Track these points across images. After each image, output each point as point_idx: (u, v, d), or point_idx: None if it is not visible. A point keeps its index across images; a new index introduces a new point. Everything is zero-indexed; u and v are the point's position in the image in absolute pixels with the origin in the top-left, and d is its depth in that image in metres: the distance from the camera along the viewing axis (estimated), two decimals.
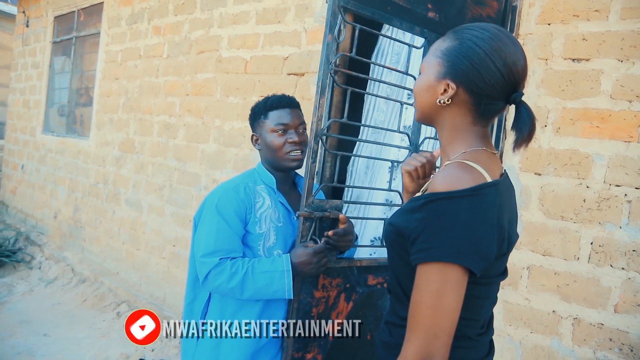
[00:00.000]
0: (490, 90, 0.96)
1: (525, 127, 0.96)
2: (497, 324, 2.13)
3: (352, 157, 2.27)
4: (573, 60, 2.02)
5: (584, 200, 1.95)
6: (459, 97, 0.98)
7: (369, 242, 2.11)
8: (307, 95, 2.84)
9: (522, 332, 2.06)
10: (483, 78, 0.95)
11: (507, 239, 0.97)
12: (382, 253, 1.97)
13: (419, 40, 1.82)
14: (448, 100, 0.99)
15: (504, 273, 1.06)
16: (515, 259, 2.10)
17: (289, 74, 2.96)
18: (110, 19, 4.82)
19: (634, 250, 1.83)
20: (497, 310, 2.13)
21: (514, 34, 2.12)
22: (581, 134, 1.98)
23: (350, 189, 2.21)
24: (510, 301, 2.10)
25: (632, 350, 1.81)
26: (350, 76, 1.74)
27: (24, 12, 6.53)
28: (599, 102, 1.94)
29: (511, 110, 2.12)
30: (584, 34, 1.99)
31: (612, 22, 1.92)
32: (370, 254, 1.83)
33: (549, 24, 2.09)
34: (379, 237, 1.86)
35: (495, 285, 1.05)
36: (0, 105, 8.89)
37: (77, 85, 5.51)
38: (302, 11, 2.93)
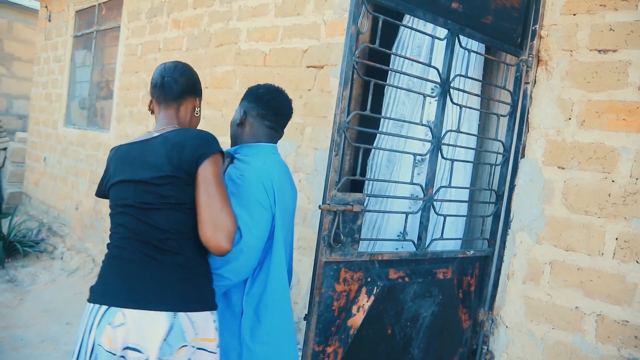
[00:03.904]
0: None
1: None
2: (518, 319, 2.11)
3: (373, 151, 2.26)
4: (599, 51, 1.97)
5: (609, 195, 1.91)
6: None
7: (394, 236, 2.10)
8: (327, 88, 2.83)
9: (543, 328, 2.04)
10: None
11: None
12: (408, 247, 1.96)
13: (442, 32, 1.79)
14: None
15: (122, 206, 1.47)
16: (538, 254, 2.07)
17: (308, 67, 2.95)
18: (130, 12, 4.86)
19: None
20: (518, 305, 2.11)
21: (537, 25, 2.09)
22: (607, 127, 1.94)
23: (371, 182, 2.20)
24: (531, 296, 2.08)
25: None
26: (369, 69, 1.73)
27: (46, 6, 6.62)
28: (626, 95, 1.90)
29: (534, 104, 2.08)
30: (611, 24, 1.94)
31: None
32: (397, 249, 1.82)
33: (574, 15, 2.04)
34: (407, 232, 1.85)
35: (117, 215, 1.48)
36: (24, 99, 9.05)
37: (98, 78, 5.58)
38: (322, 3, 2.91)
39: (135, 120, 4.64)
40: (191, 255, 1.44)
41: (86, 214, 5.33)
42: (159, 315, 1.36)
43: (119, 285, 1.40)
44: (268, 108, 1.66)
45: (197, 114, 1.66)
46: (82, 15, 5.91)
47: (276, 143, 1.72)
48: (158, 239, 1.41)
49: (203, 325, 1.43)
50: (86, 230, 5.31)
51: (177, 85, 1.58)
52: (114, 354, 1.35)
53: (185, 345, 1.40)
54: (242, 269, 1.50)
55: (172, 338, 1.38)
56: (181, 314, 1.39)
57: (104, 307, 1.37)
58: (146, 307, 1.36)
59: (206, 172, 1.41)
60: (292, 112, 1.74)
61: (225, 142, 3.54)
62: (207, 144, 1.46)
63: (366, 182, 2.23)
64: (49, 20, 6.55)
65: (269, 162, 1.60)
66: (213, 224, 1.35)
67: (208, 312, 1.45)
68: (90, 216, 5.24)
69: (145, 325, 1.35)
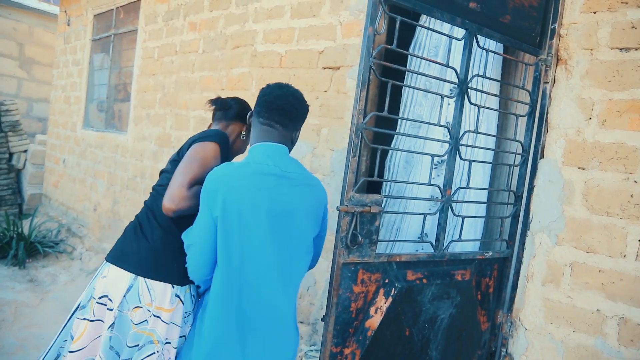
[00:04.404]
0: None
1: None
2: (537, 321, 2.08)
3: (390, 152, 2.25)
4: (621, 49, 1.94)
5: (632, 196, 1.87)
6: None
7: (414, 237, 2.09)
8: (343, 89, 2.83)
9: (564, 331, 2.01)
10: None
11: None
12: (427, 249, 1.95)
13: (460, 32, 1.78)
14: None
15: (152, 189, 1.78)
16: (557, 256, 2.04)
17: (324, 68, 2.96)
18: (147, 16, 4.92)
19: None
20: (537, 307, 2.09)
21: (556, 24, 2.06)
22: (629, 127, 1.91)
23: (389, 184, 2.20)
24: (551, 299, 2.05)
25: None
26: (386, 70, 1.73)
27: (65, 11, 6.74)
28: None
29: (553, 104, 2.06)
30: (633, 21, 1.91)
31: None
32: (417, 250, 1.82)
33: (594, 12, 2.01)
34: (426, 234, 1.84)
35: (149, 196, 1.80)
36: (44, 102, 9.22)
37: (116, 81, 5.66)
38: (337, 4, 2.91)
39: (153, 122, 4.69)
40: (171, 234, 1.66)
41: (104, 215, 5.41)
42: (124, 274, 1.64)
43: (115, 246, 1.75)
44: (260, 103, 1.58)
45: (242, 137, 1.91)
46: (101, 19, 6.00)
47: (279, 142, 1.56)
48: (155, 215, 1.70)
49: (160, 295, 1.63)
50: (104, 231, 5.38)
51: (231, 109, 1.89)
52: (94, 299, 1.66)
53: (140, 307, 1.63)
54: (192, 266, 1.54)
55: (130, 296, 1.63)
56: (140, 278, 1.64)
57: (105, 262, 1.71)
58: (119, 265, 1.66)
59: (190, 151, 1.65)
60: (292, 106, 1.57)
61: None
62: (205, 135, 1.70)
63: (384, 183, 2.22)
64: (68, 25, 6.66)
65: (238, 163, 1.53)
66: (169, 187, 1.58)
67: (168, 285, 1.64)
68: (108, 217, 5.31)
69: (116, 280, 1.65)
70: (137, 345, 1.63)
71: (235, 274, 1.46)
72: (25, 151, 7.21)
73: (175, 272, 1.65)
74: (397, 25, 1.52)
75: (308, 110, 1.63)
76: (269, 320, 1.49)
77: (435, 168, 2.08)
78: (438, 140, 1.76)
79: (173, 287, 1.65)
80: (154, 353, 1.63)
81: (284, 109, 1.56)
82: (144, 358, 1.62)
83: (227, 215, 1.43)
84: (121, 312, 1.63)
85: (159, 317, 1.63)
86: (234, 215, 1.44)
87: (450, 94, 1.79)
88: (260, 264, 1.46)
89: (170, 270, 1.65)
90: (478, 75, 1.86)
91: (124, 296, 1.63)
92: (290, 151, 1.60)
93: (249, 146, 1.68)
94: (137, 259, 1.66)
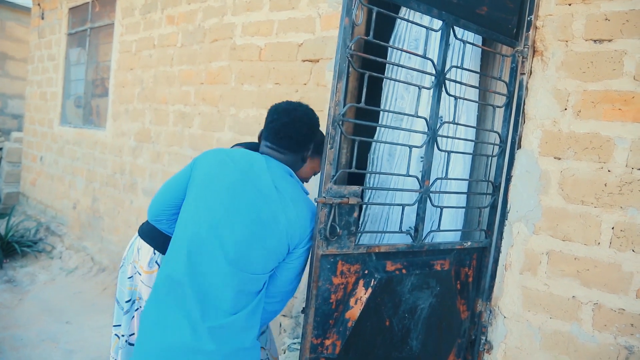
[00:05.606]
0: None
1: None
2: (515, 309, 2.12)
3: (373, 144, 2.26)
4: (595, 41, 1.97)
5: (605, 185, 1.91)
6: None
7: (405, 228, 2.11)
8: (322, 82, 2.83)
9: (541, 318, 2.05)
10: None
11: None
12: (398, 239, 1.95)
13: (437, 24, 1.79)
14: None
15: None
16: (534, 244, 2.08)
17: (304, 61, 2.95)
18: (124, 9, 4.83)
19: None
20: (515, 295, 2.12)
21: (533, 16, 2.08)
22: (602, 117, 1.94)
23: (373, 176, 2.20)
24: (529, 286, 2.09)
25: None
26: (369, 64, 1.73)
27: (39, 4, 6.58)
28: (621, 84, 1.90)
29: (530, 95, 2.08)
30: (606, 13, 1.94)
31: (637, 0, 1.87)
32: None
33: (569, 5, 2.04)
34: (412, 227, 1.84)
35: None
36: (18, 98, 9.01)
37: (93, 76, 5.56)
38: None
39: (131, 117, 4.62)
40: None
41: (84, 213, 5.32)
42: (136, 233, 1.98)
43: None
44: (268, 129, 1.60)
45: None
46: (76, 12, 5.88)
47: (284, 162, 1.60)
48: None
49: (144, 255, 1.88)
50: (84, 229, 5.30)
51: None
52: None
53: (132, 263, 1.92)
54: (152, 202, 1.68)
55: (129, 252, 1.95)
56: (138, 238, 1.93)
57: None
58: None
59: None
60: (300, 133, 1.57)
61: (221, 138, 3.54)
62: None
63: (367, 176, 2.23)
64: (42, 18, 6.51)
65: (239, 150, 1.60)
66: None
67: (151, 249, 1.87)
68: (88, 215, 5.24)
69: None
70: (130, 300, 1.91)
71: (186, 242, 1.49)
72: (0, 149, 7.05)
73: (162, 239, 1.83)
74: (374, 16, 1.52)
75: (319, 125, 1.67)
76: (201, 288, 1.47)
77: (421, 161, 2.09)
78: (417, 132, 1.77)
79: (155, 253, 1.86)
80: (138, 308, 1.89)
81: (291, 137, 1.56)
82: (135, 311, 1.89)
83: (195, 188, 1.53)
84: (124, 265, 1.95)
85: (140, 274, 1.87)
86: (204, 184, 1.51)
87: (430, 85, 1.80)
88: (210, 239, 1.46)
89: (158, 237, 1.84)
90: (455, 67, 1.87)
91: (127, 250, 1.96)
92: (300, 168, 1.69)
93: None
94: (145, 223, 1.95)
